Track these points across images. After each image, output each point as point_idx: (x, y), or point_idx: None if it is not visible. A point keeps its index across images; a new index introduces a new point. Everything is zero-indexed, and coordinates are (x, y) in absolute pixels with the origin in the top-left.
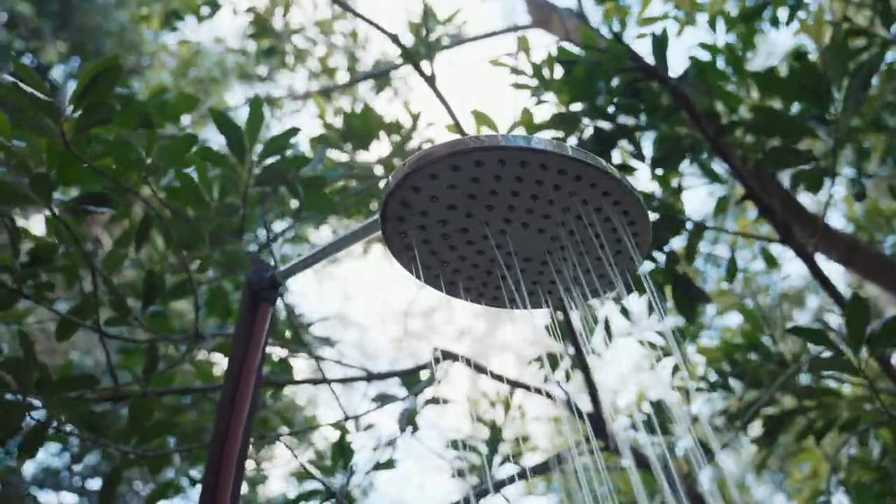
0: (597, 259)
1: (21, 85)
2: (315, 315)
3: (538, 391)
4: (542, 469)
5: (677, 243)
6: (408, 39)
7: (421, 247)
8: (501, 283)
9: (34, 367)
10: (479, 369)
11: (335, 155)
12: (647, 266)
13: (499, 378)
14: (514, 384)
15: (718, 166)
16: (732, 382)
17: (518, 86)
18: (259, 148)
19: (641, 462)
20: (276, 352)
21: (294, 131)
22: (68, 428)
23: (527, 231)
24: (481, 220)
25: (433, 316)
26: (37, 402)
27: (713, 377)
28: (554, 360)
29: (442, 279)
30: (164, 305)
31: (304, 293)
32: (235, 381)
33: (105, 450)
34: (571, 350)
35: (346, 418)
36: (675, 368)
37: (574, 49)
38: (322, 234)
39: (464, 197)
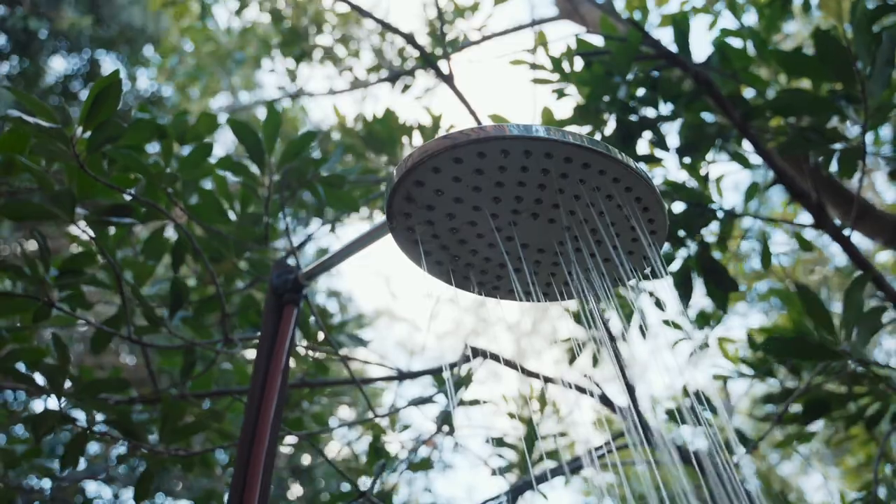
0: (614, 248)
1: (25, 117)
2: (356, 311)
3: (573, 386)
4: (579, 466)
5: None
6: (426, 39)
7: (430, 242)
8: (512, 275)
9: (67, 372)
10: (511, 365)
11: (357, 160)
12: (681, 254)
13: (531, 374)
14: (548, 380)
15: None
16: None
17: (538, 81)
18: (278, 151)
19: (683, 456)
20: (309, 353)
21: (312, 135)
22: (102, 428)
23: (537, 222)
24: (488, 213)
25: (480, 309)
26: (73, 411)
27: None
28: (580, 349)
29: (454, 274)
30: (197, 315)
31: (348, 290)
32: (262, 383)
33: (141, 451)
34: (603, 339)
35: (375, 416)
36: (699, 348)
37: (598, 40)
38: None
39: (469, 189)
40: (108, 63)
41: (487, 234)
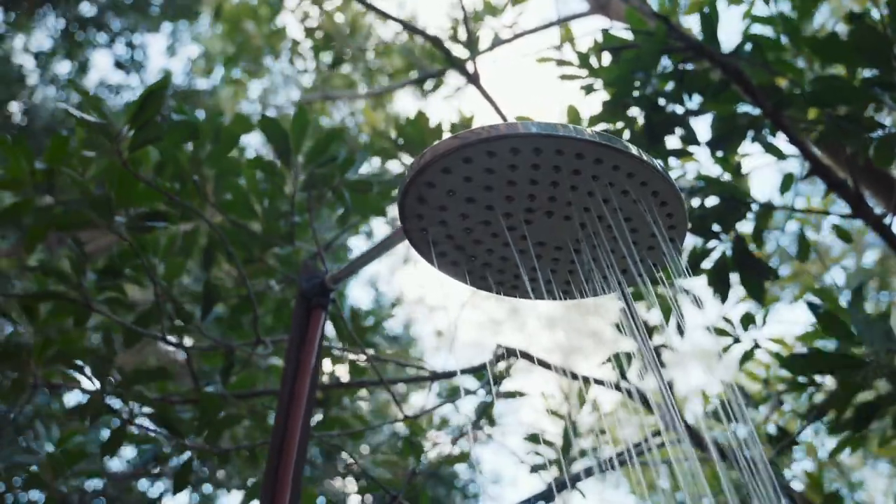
0: (627, 244)
1: (73, 111)
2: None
3: (605, 384)
4: (617, 463)
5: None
6: (453, 39)
7: (445, 243)
8: (524, 274)
9: (112, 361)
10: (544, 364)
11: (390, 164)
12: (717, 251)
13: (564, 373)
14: (582, 378)
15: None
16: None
17: (565, 77)
18: (306, 150)
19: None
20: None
21: (338, 133)
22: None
23: (552, 220)
24: (500, 212)
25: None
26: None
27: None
28: (626, 357)
29: (471, 275)
30: (233, 314)
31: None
32: (291, 384)
33: (180, 445)
34: (640, 341)
35: (405, 418)
36: (745, 357)
37: (629, 34)
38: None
39: (481, 189)
40: (151, 51)
41: (502, 234)
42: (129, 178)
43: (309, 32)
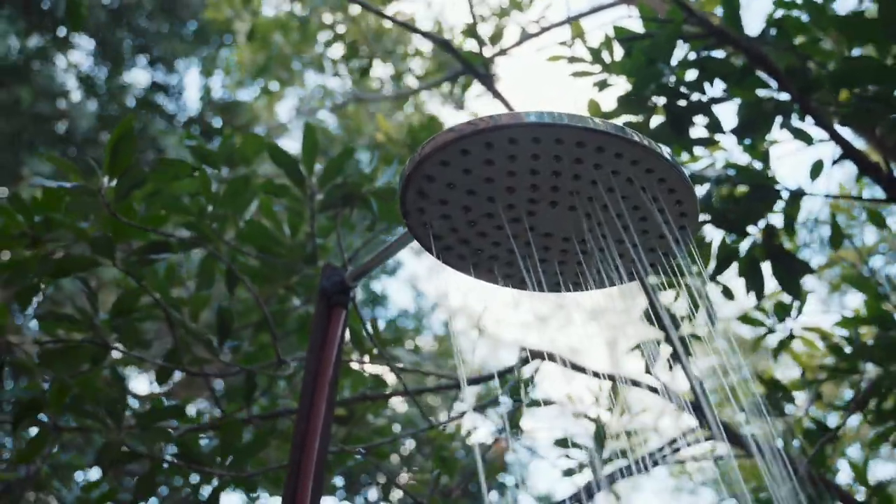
0: (644, 232)
1: (47, 183)
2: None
3: (637, 384)
4: (650, 463)
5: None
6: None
7: (450, 236)
8: (522, 265)
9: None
10: (573, 366)
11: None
12: (745, 243)
13: (595, 374)
14: (612, 378)
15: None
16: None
17: (578, 74)
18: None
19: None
20: (366, 367)
21: (350, 152)
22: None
23: (557, 210)
24: (503, 204)
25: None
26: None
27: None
28: (652, 348)
29: (477, 268)
30: (254, 340)
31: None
32: (312, 384)
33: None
34: (668, 333)
35: (431, 427)
36: (780, 346)
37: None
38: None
39: (481, 181)
40: (188, 73)
41: (506, 226)
42: (121, 226)
43: (338, 37)
